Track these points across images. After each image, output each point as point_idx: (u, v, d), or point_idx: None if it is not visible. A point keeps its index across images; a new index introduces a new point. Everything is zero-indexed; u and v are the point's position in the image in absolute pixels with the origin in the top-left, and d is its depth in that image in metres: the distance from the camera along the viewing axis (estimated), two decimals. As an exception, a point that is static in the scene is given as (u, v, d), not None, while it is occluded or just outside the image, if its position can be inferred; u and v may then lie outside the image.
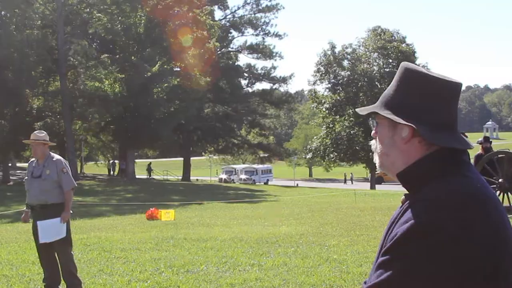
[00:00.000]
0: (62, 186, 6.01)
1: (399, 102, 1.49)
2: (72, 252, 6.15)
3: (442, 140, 1.43)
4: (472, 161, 11.30)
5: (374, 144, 1.58)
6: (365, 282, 1.44)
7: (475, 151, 11.95)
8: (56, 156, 6.18)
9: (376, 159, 1.57)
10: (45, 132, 6.25)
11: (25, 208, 6.31)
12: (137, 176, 42.07)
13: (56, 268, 6.06)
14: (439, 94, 1.45)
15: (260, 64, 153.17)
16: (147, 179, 45.47)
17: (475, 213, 1.34)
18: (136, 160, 48.67)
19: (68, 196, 6.04)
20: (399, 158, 1.49)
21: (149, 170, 52.19)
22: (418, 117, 1.44)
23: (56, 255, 6.08)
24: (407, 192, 1.50)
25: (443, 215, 1.32)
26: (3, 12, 34.40)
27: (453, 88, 1.47)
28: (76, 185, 6.35)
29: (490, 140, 12.39)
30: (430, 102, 1.45)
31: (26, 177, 6.15)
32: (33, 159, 6.23)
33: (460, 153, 1.47)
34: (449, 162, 1.44)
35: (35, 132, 6.20)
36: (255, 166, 55.25)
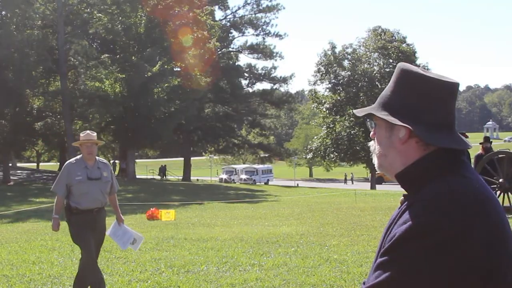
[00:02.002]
0: (111, 189, 5.90)
1: (396, 103, 1.49)
2: None
3: (439, 141, 1.43)
4: (472, 161, 11.30)
5: (373, 145, 1.58)
6: (363, 283, 1.44)
7: (475, 151, 11.97)
8: (101, 159, 6.00)
9: (375, 160, 1.57)
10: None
11: (54, 214, 5.70)
12: (140, 176, 42.00)
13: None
14: (436, 94, 1.45)
15: (260, 64, 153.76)
16: (154, 180, 45.39)
17: (474, 213, 1.33)
18: (137, 160, 48.67)
19: (115, 198, 6.04)
20: (397, 159, 1.49)
21: (163, 171, 52.28)
22: (415, 117, 1.44)
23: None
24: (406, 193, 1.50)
25: (441, 216, 1.32)
26: (3, 12, 34.38)
27: (449, 88, 1.46)
28: None
29: (490, 140, 12.39)
30: (427, 103, 1.45)
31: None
32: (72, 160, 5.82)
33: (459, 153, 1.46)
34: (447, 163, 1.43)
35: (87, 132, 5.79)
36: (256, 166, 55.26)
